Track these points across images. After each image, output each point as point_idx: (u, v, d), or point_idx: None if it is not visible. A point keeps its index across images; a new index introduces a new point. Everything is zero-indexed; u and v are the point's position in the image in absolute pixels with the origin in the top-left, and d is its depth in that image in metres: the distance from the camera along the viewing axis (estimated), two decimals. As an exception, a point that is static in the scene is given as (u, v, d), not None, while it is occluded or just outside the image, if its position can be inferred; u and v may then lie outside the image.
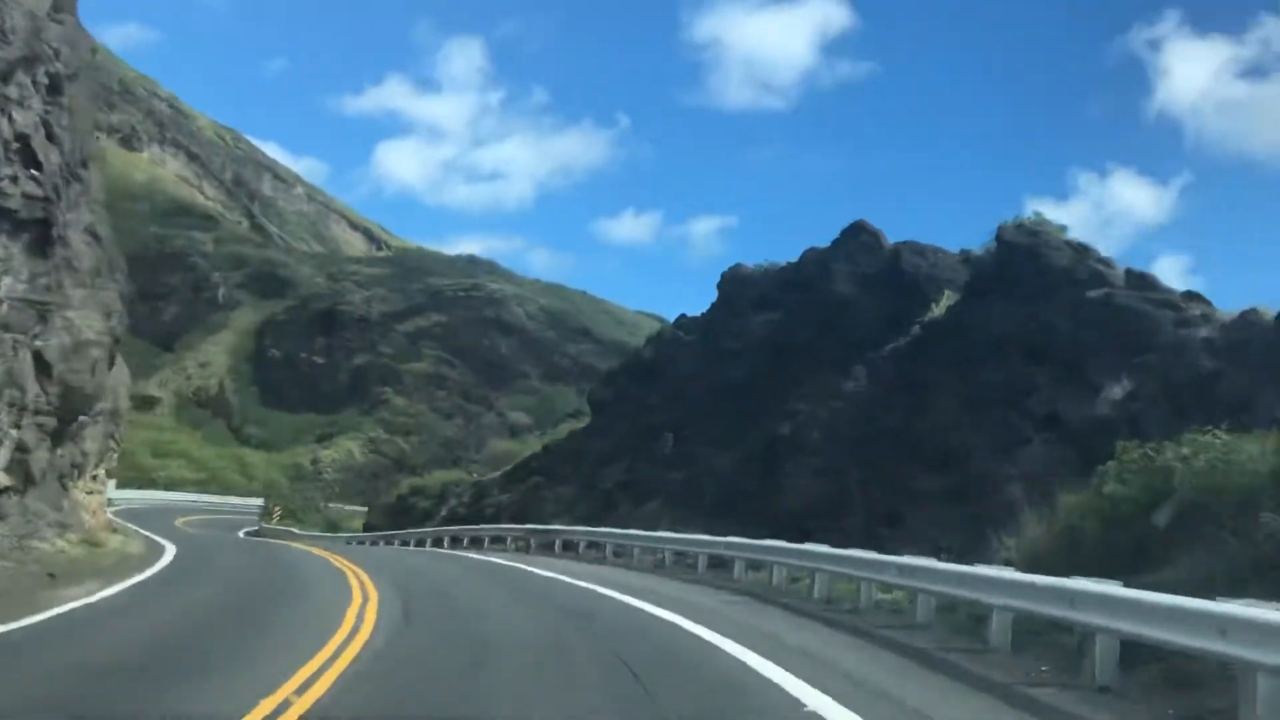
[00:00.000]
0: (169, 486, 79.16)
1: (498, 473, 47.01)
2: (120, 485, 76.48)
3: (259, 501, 68.05)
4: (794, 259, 37.32)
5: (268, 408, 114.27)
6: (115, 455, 33.17)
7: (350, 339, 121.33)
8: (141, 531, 39.56)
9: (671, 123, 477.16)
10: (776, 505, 25.56)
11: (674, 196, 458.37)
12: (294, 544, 39.53)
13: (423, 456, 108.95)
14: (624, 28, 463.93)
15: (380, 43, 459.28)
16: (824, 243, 36.34)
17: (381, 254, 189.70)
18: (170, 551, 29.92)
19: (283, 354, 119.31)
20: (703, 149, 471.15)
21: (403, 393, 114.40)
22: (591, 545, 30.03)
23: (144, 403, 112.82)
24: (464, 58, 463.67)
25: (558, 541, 32.21)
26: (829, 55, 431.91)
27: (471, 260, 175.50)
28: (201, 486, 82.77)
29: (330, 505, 68.81)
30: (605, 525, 30.69)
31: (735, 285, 39.00)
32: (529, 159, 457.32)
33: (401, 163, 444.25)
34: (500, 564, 27.90)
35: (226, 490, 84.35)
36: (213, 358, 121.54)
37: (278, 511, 60.94)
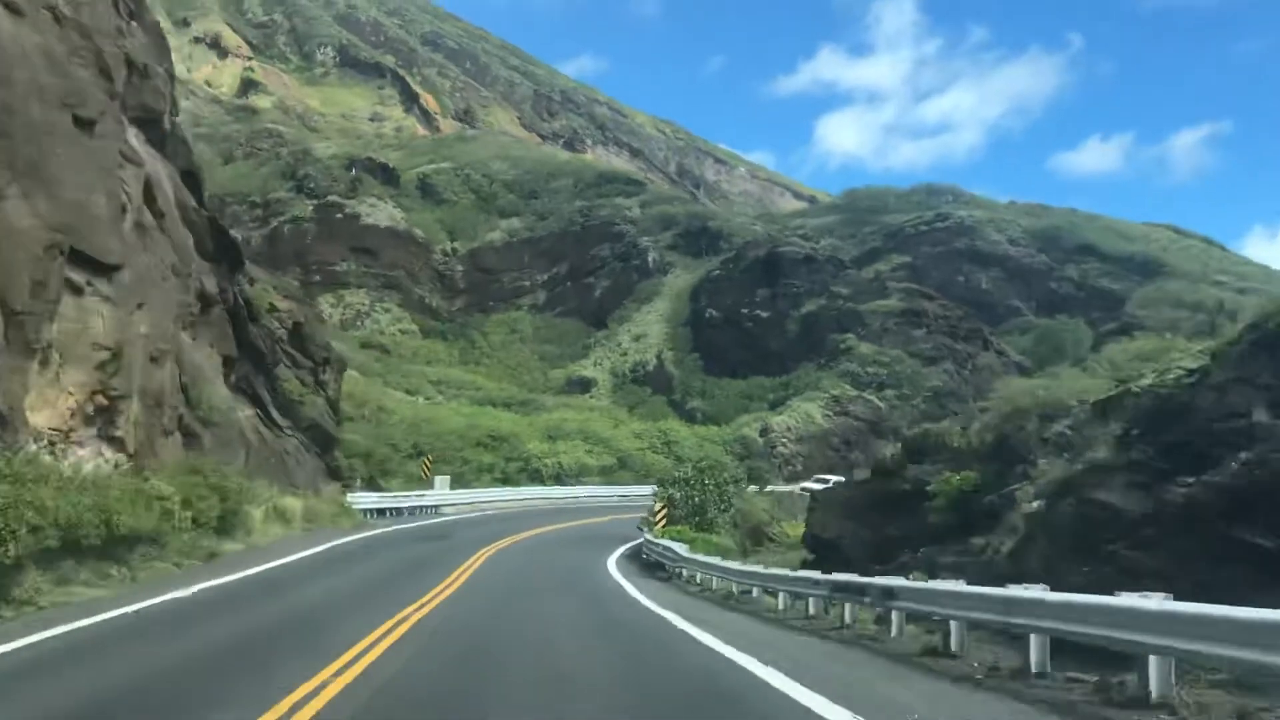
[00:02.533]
0: (560, 478, 52.55)
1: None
2: (499, 480, 51.41)
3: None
4: None
5: (710, 375, 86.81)
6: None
7: (796, 285, 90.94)
8: None
9: (1132, 30, 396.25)
10: None
11: (1145, 112, 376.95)
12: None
13: (905, 414, 75.95)
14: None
15: (807, 16, 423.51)
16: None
17: (824, 203, 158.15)
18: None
19: (721, 313, 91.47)
20: (1175, 52, 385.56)
21: (868, 338, 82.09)
22: None
23: (580, 385, 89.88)
24: (894, 12, 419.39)
25: None
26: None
27: (929, 190, 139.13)
28: (609, 475, 55.61)
29: (763, 490, 38.30)
30: None
31: None
32: (974, 103, 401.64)
33: (842, 133, 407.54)
34: None
35: (646, 476, 56.71)
36: (648, 328, 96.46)
37: (661, 516, 31.18)
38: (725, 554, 26.34)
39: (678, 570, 25.07)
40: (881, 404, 75.04)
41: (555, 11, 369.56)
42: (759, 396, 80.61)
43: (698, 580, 23.58)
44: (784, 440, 69.33)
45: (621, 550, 31.29)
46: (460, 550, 26.34)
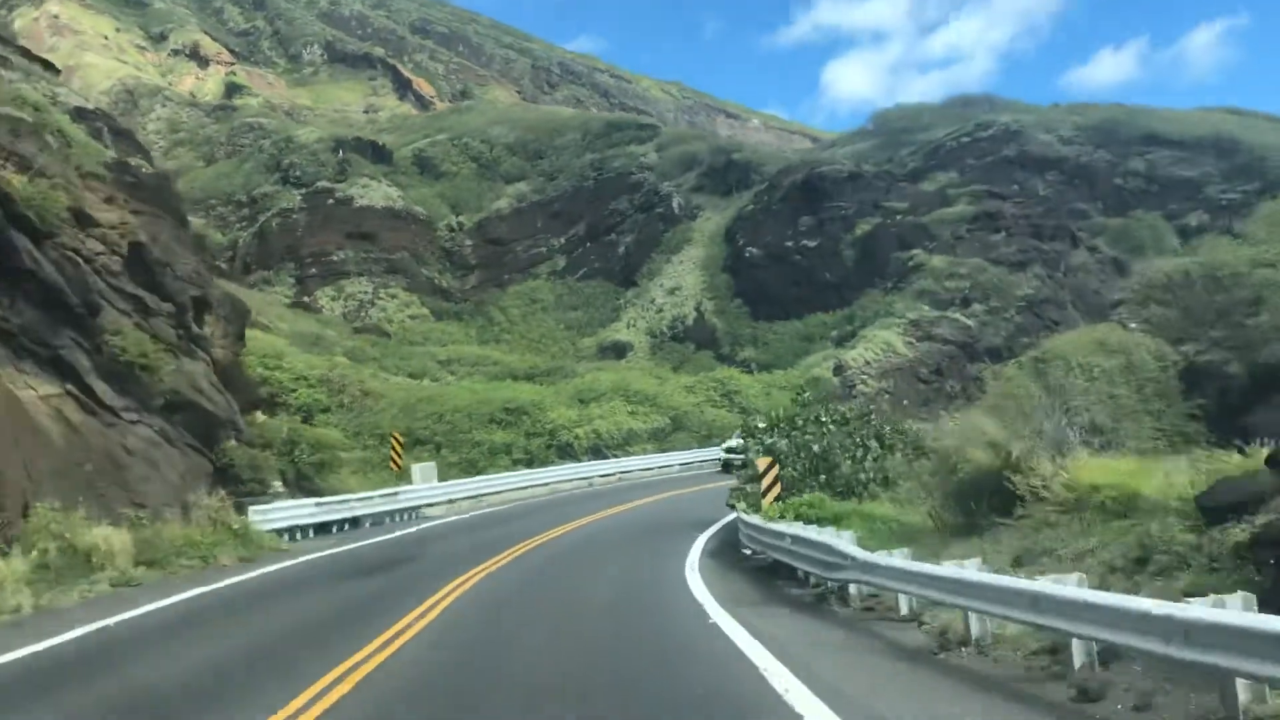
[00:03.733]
0: (600, 451, 39.14)
1: None
2: (521, 461, 37.89)
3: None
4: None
5: (760, 320, 73.36)
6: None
7: (843, 206, 77.14)
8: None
9: None
10: None
11: (1157, 14, 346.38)
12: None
13: (1000, 329, 61.93)
14: None
15: None
16: None
17: (853, 130, 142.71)
18: None
19: (762, 250, 77.93)
20: None
21: (939, 250, 67.98)
22: None
23: (614, 350, 76.75)
24: None
25: None
26: None
27: (964, 102, 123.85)
28: (662, 441, 42.20)
29: (894, 429, 24.01)
30: None
31: None
32: (981, 29, 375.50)
33: (850, 77, 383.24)
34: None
35: (709, 437, 43.37)
36: (682, 279, 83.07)
37: (770, 480, 17.13)
38: (912, 537, 12.89)
39: (831, 584, 11.71)
40: (970, 321, 60.98)
41: (546, 8, 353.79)
42: (820, 335, 66.99)
43: (904, 609, 10.15)
44: (864, 377, 55.54)
45: (702, 544, 17.86)
46: (409, 589, 13.05)
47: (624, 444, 39.78)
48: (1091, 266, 67.33)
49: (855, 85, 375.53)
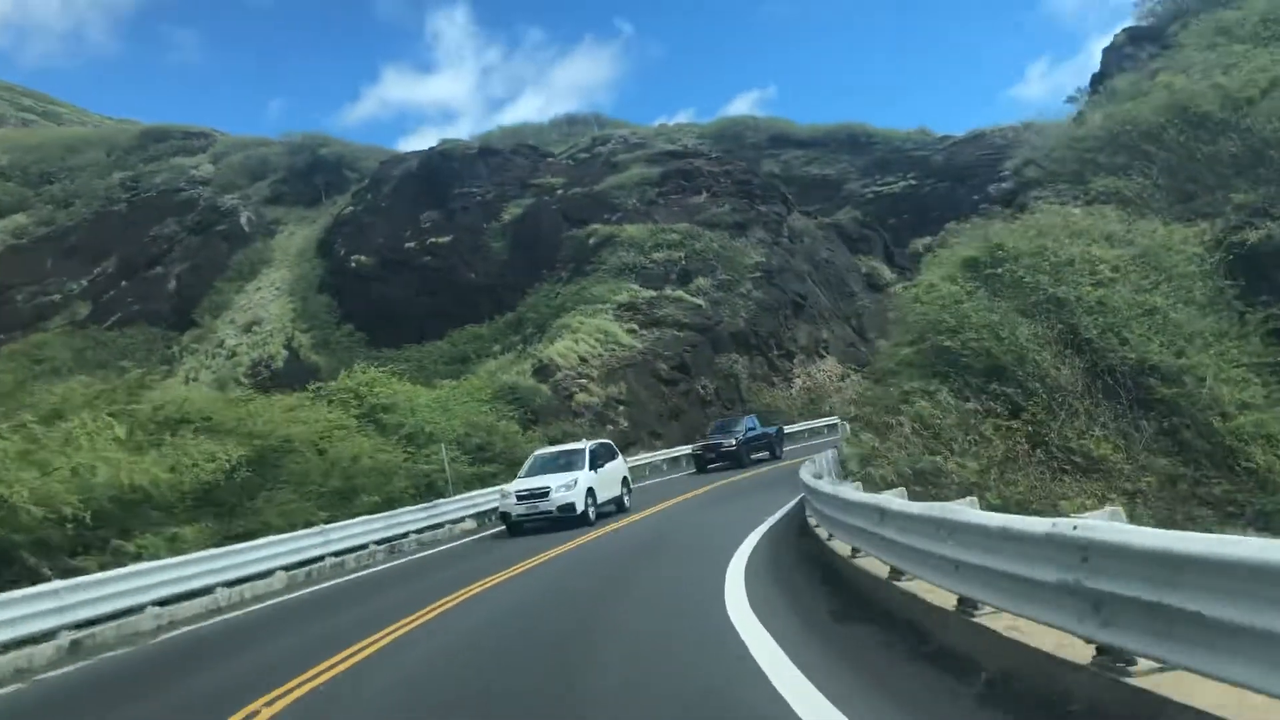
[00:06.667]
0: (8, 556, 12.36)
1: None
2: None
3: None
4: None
5: (385, 347, 47.93)
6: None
7: (478, 190, 54.92)
8: None
9: (672, 8, 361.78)
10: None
11: (698, 87, 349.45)
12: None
13: (740, 307, 41.73)
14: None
15: (358, 40, 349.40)
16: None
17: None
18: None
19: (374, 258, 53.32)
20: (712, 25, 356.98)
21: (629, 219, 47.10)
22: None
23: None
24: (448, 24, 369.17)
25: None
26: None
27: (570, 120, 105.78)
28: (221, 512, 16.15)
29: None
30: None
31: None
32: (545, 104, 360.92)
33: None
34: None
35: (348, 497, 17.52)
36: (263, 310, 55.80)
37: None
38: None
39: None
40: (699, 300, 40.15)
41: (84, 79, 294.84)
42: (480, 352, 43.24)
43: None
44: (583, 382, 32.31)
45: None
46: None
47: (116, 523, 12.66)
48: (814, 232, 49.88)
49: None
